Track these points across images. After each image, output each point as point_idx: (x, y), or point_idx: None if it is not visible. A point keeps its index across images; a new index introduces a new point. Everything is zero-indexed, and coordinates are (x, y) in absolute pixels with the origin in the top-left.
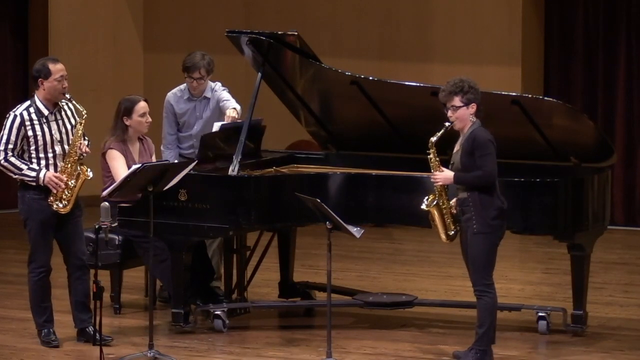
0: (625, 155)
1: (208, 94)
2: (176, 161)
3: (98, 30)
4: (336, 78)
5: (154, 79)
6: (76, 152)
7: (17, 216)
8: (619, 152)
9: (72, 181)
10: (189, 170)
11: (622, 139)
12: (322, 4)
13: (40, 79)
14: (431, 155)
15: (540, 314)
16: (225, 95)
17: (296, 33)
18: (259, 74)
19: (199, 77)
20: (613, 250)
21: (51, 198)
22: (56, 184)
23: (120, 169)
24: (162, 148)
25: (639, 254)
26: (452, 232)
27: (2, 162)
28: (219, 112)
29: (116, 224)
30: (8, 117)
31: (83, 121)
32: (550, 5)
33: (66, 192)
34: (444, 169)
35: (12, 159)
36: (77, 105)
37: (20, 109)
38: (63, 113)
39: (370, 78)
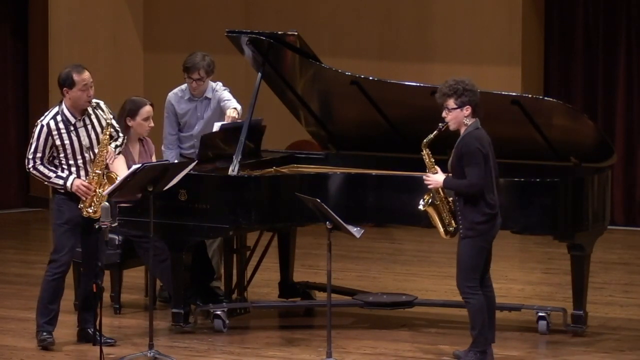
0: (625, 155)
1: (209, 94)
2: (176, 161)
3: (98, 30)
4: (336, 78)
5: (154, 79)
6: (103, 160)
7: (17, 216)
8: (619, 152)
9: (101, 189)
10: (189, 170)
11: (622, 139)
12: (322, 4)
13: (65, 88)
14: (425, 156)
15: (540, 314)
16: (226, 95)
17: (296, 33)
18: (259, 74)
19: (198, 78)
20: (613, 250)
21: (81, 205)
22: (84, 192)
23: (119, 169)
24: (162, 148)
25: (639, 254)
26: (452, 228)
27: (31, 170)
28: (220, 112)
29: (116, 224)
30: (36, 127)
31: (108, 129)
32: (550, 5)
33: (95, 200)
34: (438, 169)
35: (40, 167)
36: (104, 109)
37: (47, 117)
38: (93, 118)
39: (370, 78)
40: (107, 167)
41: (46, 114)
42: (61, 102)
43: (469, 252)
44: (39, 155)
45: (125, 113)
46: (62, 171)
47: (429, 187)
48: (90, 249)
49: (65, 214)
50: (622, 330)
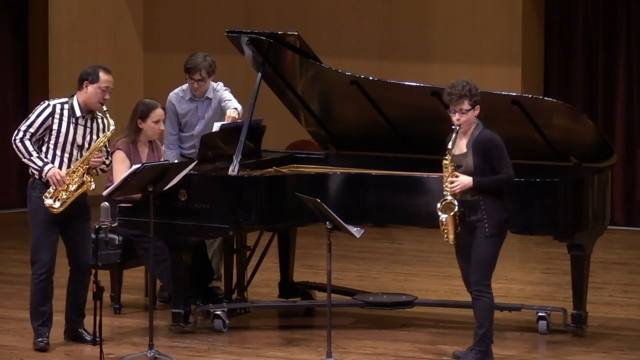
0: (625, 155)
1: (210, 95)
2: (176, 161)
3: (98, 30)
4: (336, 78)
5: (154, 79)
6: (89, 160)
7: (17, 216)
8: (619, 152)
9: (74, 186)
10: (189, 170)
11: (622, 139)
12: (322, 4)
13: (86, 82)
14: (447, 162)
15: (540, 314)
16: (227, 95)
17: (296, 33)
18: (259, 74)
19: (199, 79)
20: (613, 250)
21: (46, 193)
22: (57, 181)
23: (120, 172)
24: (163, 148)
25: (639, 254)
26: (458, 232)
27: (17, 141)
28: (221, 112)
29: (116, 224)
30: (42, 104)
31: (108, 134)
32: (550, 5)
33: (63, 194)
34: (459, 174)
35: (27, 142)
36: (109, 119)
37: (56, 100)
38: (94, 123)
39: (370, 78)
40: (89, 168)
41: (56, 97)
42: (73, 95)
43: (491, 250)
44: (31, 130)
45: (137, 115)
46: (45, 157)
47: (457, 190)
48: (73, 249)
49: (41, 213)
50: (622, 330)
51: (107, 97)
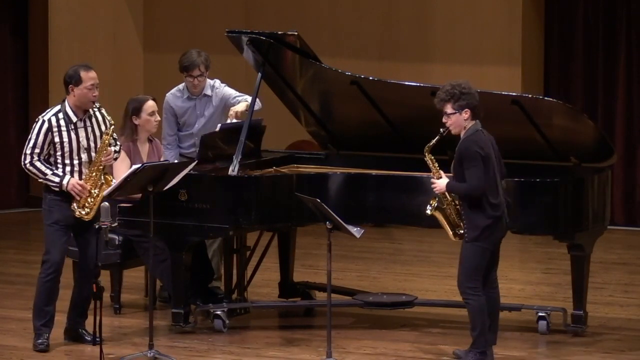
0: (625, 155)
1: (208, 92)
2: (176, 161)
3: (98, 30)
4: (336, 78)
5: (154, 79)
6: (100, 162)
7: (17, 216)
8: (619, 152)
9: (96, 190)
10: (189, 170)
11: (622, 139)
12: (322, 4)
13: (71, 85)
14: (428, 161)
15: (540, 314)
16: (233, 92)
17: (296, 33)
18: (259, 74)
19: (199, 75)
20: (613, 250)
21: (74, 205)
22: (79, 191)
23: (120, 171)
24: (162, 148)
25: (639, 254)
26: (462, 231)
27: (28, 165)
28: (223, 109)
29: (116, 224)
30: (37, 122)
31: (110, 131)
32: (550, 5)
33: (89, 200)
34: (442, 174)
35: (37, 164)
36: (105, 115)
37: (49, 114)
38: (93, 120)
39: (370, 78)
40: (104, 168)
41: (47, 110)
42: (64, 100)
43: (472, 253)
44: (37, 151)
45: (130, 112)
46: (58, 170)
47: (435, 191)
48: (86, 251)
49: (55, 214)
50: (622, 330)
51: (95, 94)
